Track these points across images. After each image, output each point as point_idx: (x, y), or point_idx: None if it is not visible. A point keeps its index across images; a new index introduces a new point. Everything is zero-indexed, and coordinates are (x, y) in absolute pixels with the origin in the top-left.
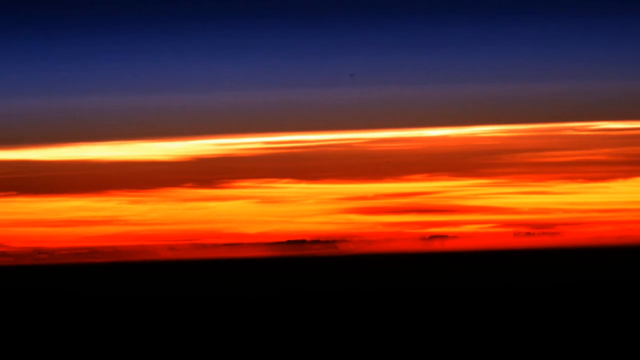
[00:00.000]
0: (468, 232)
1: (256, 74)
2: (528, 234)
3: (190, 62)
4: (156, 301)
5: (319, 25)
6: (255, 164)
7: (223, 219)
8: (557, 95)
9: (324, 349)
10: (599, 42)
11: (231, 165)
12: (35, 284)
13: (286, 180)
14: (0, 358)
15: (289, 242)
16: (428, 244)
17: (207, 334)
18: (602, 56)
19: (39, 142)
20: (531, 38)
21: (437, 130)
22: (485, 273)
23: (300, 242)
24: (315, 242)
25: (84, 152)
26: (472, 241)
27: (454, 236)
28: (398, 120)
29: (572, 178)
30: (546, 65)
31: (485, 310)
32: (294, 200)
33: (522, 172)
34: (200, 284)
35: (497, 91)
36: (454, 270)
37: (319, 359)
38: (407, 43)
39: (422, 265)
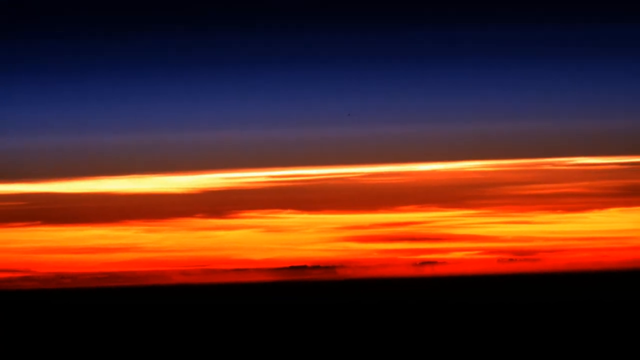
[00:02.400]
0: (456, 258)
1: (261, 113)
2: (511, 260)
3: (200, 103)
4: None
5: (319, 69)
6: (261, 196)
7: (231, 246)
8: (538, 133)
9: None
10: (576, 84)
11: (238, 197)
12: (59, 304)
13: (289, 211)
14: None
15: (291, 267)
16: (419, 269)
17: (213, 339)
18: (579, 97)
19: (62, 176)
20: (513, 81)
21: (427, 165)
22: (471, 295)
23: (302, 268)
24: (316, 267)
25: (104, 185)
26: (460, 267)
27: (443, 262)
28: (392, 155)
29: (552, 209)
30: (528, 105)
31: (472, 327)
32: (296, 230)
33: (505, 204)
34: (210, 301)
35: (482, 129)
36: (442, 292)
37: None
38: (401, 85)
39: (414, 288)
